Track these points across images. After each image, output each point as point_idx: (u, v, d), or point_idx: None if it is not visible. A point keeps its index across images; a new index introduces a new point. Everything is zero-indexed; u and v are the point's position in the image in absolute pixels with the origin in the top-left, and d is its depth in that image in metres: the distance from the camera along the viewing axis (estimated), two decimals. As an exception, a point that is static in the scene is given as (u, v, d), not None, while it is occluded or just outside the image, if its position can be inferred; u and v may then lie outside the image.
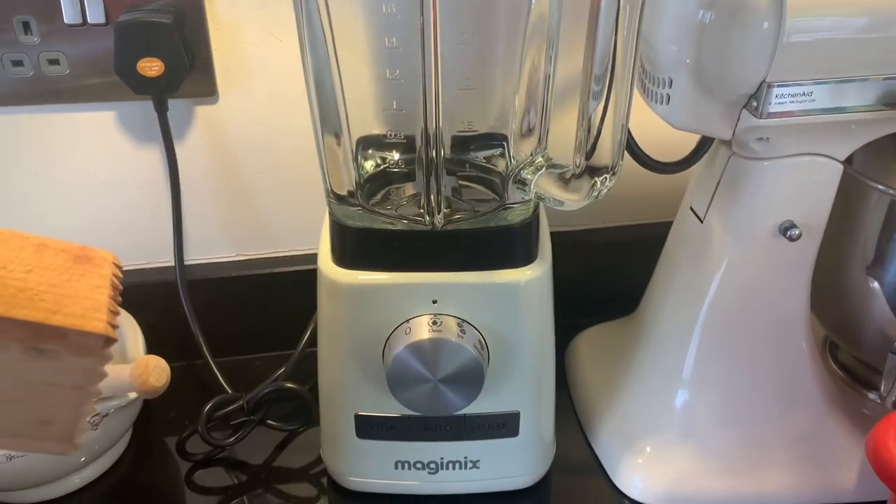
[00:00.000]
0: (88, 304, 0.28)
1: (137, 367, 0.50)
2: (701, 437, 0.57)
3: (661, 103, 0.48)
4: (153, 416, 0.64)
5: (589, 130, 0.40)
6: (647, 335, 0.60)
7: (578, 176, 0.42)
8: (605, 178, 0.42)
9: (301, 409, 0.61)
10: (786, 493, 0.56)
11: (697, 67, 0.45)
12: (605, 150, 0.41)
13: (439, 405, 0.49)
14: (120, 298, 0.30)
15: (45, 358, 0.28)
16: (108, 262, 0.30)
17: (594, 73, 0.39)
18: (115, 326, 0.29)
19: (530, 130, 0.47)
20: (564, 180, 0.44)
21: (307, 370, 0.59)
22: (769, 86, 0.44)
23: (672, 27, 0.45)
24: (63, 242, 0.30)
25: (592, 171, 0.41)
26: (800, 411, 0.57)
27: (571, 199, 0.43)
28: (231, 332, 0.69)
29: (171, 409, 0.65)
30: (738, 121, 0.47)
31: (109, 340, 0.29)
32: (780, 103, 0.45)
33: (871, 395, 0.62)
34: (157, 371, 0.50)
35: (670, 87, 0.47)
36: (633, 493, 0.57)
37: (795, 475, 0.56)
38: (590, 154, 0.41)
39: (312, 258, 0.51)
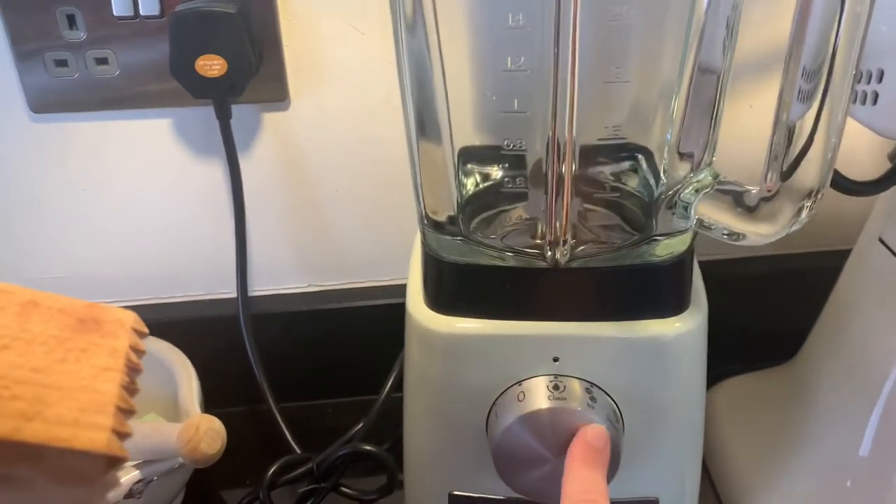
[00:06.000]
0: (87, 400, 0.18)
1: (186, 429, 0.41)
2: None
3: (864, 102, 0.36)
4: (210, 468, 0.56)
5: (789, 141, 0.29)
6: (810, 395, 0.48)
7: (769, 199, 0.31)
8: (809, 203, 0.30)
9: (381, 473, 0.51)
10: None
11: (923, 54, 0.34)
12: (813, 167, 0.29)
13: (558, 492, 0.38)
14: (138, 386, 0.20)
15: (12, 489, 0.18)
16: (126, 329, 0.20)
17: (804, 66, 0.28)
18: (125, 435, 0.19)
19: (689, 140, 0.36)
20: (745, 206, 0.32)
21: (390, 421, 0.50)
22: None
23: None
24: (64, 299, 0.21)
25: (792, 195, 0.30)
26: None
27: (761, 232, 0.31)
28: (300, 374, 0.61)
29: (231, 459, 0.56)
30: (974, 128, 0.35)
31: (115, 460, 0.19)
32: None
33: None
34: (211, 435, 0.41)
35: (879, 81, 0.35)
36: None
37: None
38: (790, 172, 0.30)
39: (395, 290, 0.44)
